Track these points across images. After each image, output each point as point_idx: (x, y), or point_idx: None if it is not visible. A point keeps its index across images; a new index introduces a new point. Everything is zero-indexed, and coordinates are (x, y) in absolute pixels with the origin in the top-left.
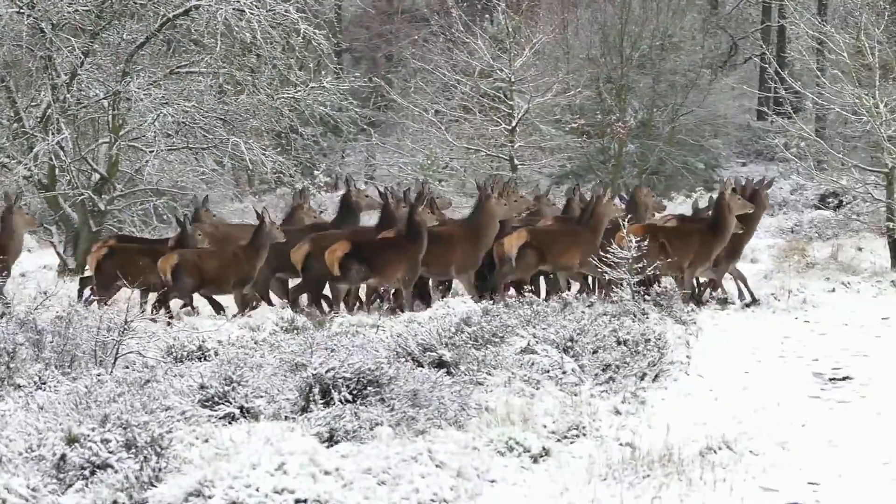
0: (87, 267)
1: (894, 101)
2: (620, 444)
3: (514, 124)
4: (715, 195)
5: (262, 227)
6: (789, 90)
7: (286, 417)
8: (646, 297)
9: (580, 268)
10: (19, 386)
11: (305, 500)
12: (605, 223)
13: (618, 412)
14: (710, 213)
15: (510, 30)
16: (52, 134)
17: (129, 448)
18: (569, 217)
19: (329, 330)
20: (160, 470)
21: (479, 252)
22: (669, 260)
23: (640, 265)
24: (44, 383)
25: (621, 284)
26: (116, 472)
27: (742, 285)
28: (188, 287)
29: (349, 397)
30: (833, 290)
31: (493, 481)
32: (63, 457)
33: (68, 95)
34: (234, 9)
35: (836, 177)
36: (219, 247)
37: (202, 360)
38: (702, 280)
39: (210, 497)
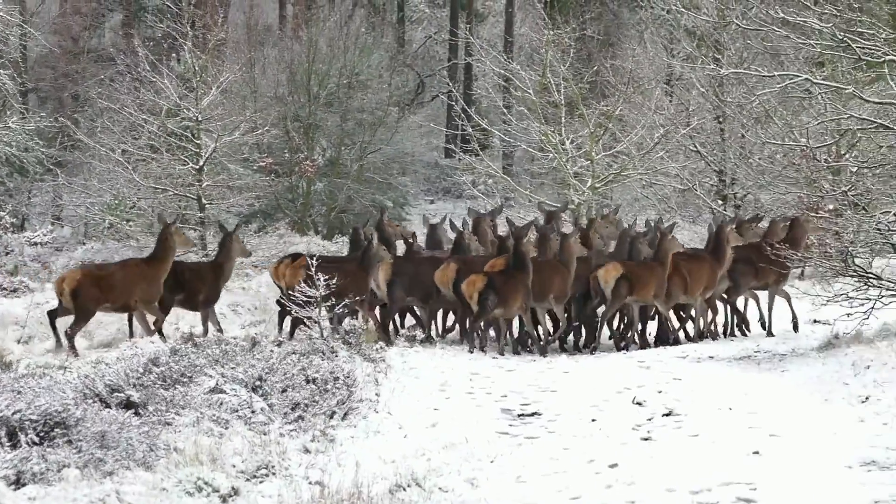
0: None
1: (580, 138)
2: (310, 483)
3: (201, 163)
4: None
5: (461, 239)
6: (476, 127)
7: None
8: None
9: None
10: None
11: None
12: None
13: (307, 451)
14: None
15: (197, 69)
16: None
17: None
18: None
19: (16, 372)
20: None
21: None
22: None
23: (329, 303)
24: None
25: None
26: None
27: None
28: (400, 298)
29: (36, 439)
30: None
31: None
32: None
33: None
34: None
35: (523, 213)
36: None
37: None
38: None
39: None
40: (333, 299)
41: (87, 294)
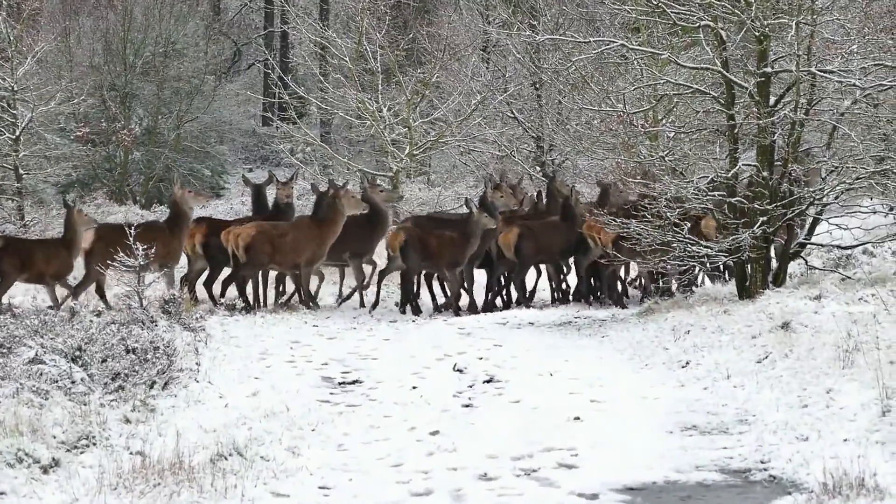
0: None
1: (397, 106)
2: (131, 453)
3: (18, 133)
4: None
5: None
6: (293, 96)
7: None
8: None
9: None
10: None
11: None
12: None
13: (128, 421)
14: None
15: (11, 38)
16: None
17: None
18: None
19: None
20: None
21: None
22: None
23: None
24: None
25: None
26: None
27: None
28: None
29: None
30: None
31: (3, 493)
32: None
33: None
34: None
35: (341, 181)
36: None
37: None
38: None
39: None
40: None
41: (260, 249)
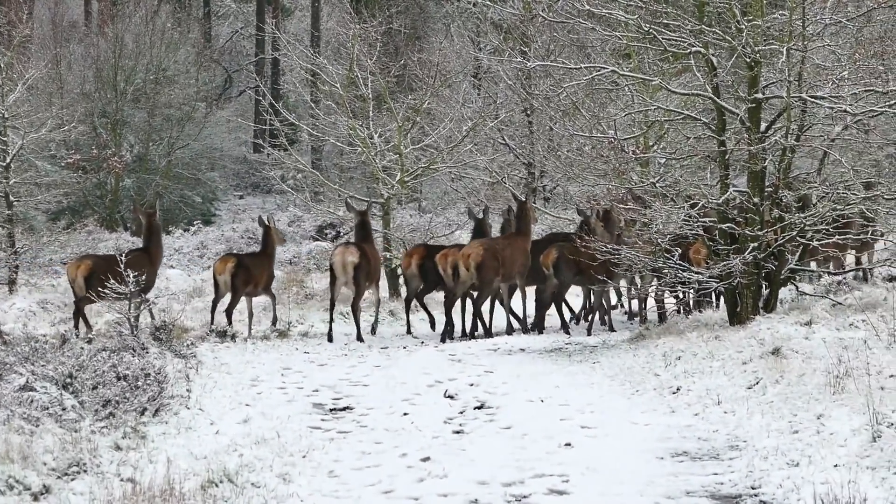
0: None
1: (388, 132)
2: (122, 480)
3: (8, 161)
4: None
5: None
6: (284, 122)
7: None
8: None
9: None
10: None
11: None
12: None
13: (119, 448)
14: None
15: (2, 66)
16: None
17: None
18: None
19: None
20: None
21: None
22: None
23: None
24: None
25: None
26: None
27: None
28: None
29: None
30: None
31: None
32: None
33: None
34: None
35: (332, 208)
36: None
37: None
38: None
39: None
40: None
41: (488, 266)
